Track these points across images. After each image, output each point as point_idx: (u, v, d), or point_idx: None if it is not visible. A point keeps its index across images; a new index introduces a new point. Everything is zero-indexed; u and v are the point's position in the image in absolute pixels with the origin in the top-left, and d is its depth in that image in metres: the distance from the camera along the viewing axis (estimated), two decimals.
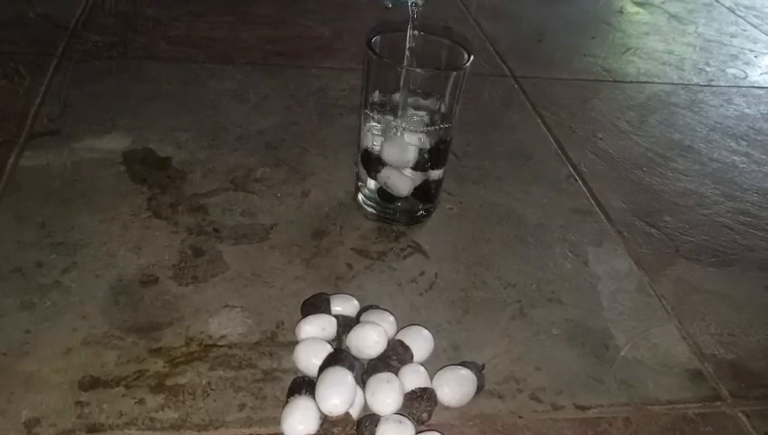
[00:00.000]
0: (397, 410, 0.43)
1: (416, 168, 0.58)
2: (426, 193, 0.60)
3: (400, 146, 0.57)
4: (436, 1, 1.07)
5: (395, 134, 0.56)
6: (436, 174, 0.60)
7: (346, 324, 0.48)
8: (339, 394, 0.42)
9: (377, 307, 0.51)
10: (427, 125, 0.56)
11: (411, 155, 0.57)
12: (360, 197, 0.62)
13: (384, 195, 0.60)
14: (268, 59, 0.86)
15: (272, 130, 0.72)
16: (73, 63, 0.79)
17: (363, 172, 0.60)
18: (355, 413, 0.43)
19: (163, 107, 0.73)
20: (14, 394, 0.43)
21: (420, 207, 0.61)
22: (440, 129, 0.57)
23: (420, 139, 0.57)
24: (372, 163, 0.59)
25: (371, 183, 0.60)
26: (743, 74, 0.99)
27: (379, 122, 0.57)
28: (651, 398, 0.49)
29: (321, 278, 0.55)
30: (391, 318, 0.49)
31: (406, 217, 0.61)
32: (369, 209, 0.61)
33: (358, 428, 0.43)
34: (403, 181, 0.59)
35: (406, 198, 0.60)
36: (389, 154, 0.58)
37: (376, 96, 0.57)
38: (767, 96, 0.94)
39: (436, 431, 0.44)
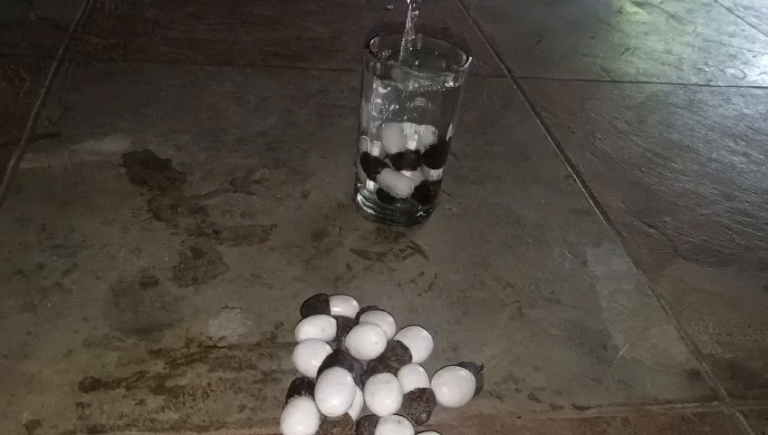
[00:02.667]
0: (396, 410, 0.44)
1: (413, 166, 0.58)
2: (425, 194, 0.61)
3: (400, 133, 0.57)
4: (435, 1, 1.07)
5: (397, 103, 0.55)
6: (434, 174, 0.60)
7: (345, 325, 0.49)
8: (338, 395, 0.42)
9: (376, 308, 0.51)
10: (433, 81, 0.55)
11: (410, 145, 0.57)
12: (360, 198, 0.62)
13: (383, 196, 0.60)
14: (267, 60, 0.86)
15: (271, 131, 0.73)
16: (74, 66, 0.79)
17: (362, 174, 0.61)
18: (354, 414, 0.44)
19: (163, 109, 0.74)
20: (15, 396, 0.43)
21: (419, 208, 0.62)
22: (446, 90, 0.55)
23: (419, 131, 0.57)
24: (371, 165, 0.59)
25: (370, 184, 0.60)
26: (741, 74, 1.00)
27: (383, 87, 0.55)
28: (649, 398, 0.49)
29: (320, 279, 0.55)
30: (390, 319, 0.50)
31: (405, 217, 0.61)
32: (369, 211, 0.62)
33: (357, 428, 0.43)
34: (402, 182, 0.59)
35: (405, 198, 0.60)
36: (389, 138, 0.57)
37: (378, 70, 0.55)
38: (766, 96, 0.94)
39: (435, 432, 0.44)
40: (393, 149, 0.58)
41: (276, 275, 0.55)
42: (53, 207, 0.59)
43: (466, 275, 0.58)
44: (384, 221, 0.61)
